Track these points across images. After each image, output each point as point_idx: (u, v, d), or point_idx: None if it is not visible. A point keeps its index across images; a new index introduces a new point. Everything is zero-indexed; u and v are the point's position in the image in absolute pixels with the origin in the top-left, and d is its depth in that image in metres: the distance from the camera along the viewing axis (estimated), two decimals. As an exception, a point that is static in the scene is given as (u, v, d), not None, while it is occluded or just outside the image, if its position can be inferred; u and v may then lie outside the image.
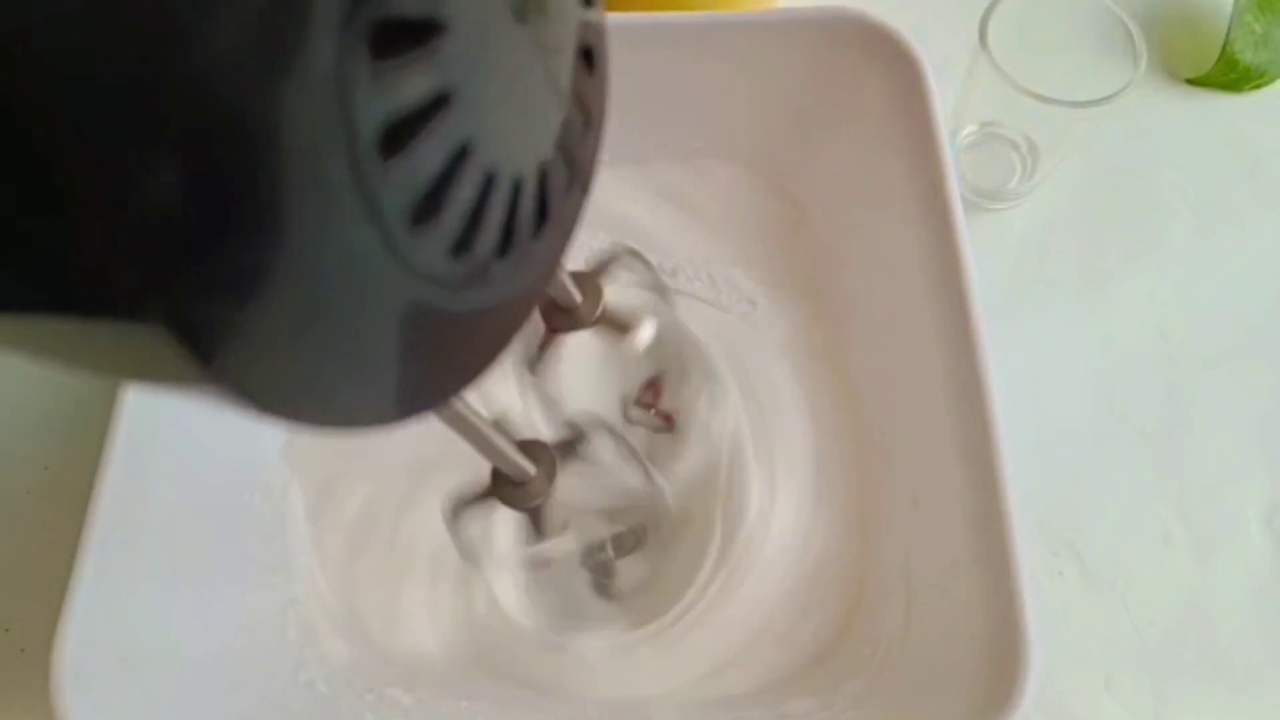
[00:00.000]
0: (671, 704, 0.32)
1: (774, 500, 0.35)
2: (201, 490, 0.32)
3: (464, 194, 0.12)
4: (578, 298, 0.28)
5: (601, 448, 0.29)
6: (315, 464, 0.35)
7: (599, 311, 0.28)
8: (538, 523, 0.26)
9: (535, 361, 0.30)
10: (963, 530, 0.28)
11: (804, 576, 0.34)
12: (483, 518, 0.26)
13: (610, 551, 0.34)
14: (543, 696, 0.32)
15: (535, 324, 0.29)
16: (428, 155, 0.11)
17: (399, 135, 0.11)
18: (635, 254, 0.30)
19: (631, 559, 0.35)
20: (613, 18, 0.37)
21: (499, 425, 0.24)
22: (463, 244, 0.13)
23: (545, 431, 0.31)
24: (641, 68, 0.38)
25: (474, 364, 0.16)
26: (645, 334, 0.29)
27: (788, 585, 0.33)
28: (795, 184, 0.41)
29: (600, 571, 0.34)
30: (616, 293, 0.29)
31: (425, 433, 0.36)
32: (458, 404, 0.20)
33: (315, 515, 0.35)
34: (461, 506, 0.26)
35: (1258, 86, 0.46)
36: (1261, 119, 0.46)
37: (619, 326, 0.29)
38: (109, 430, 0.29)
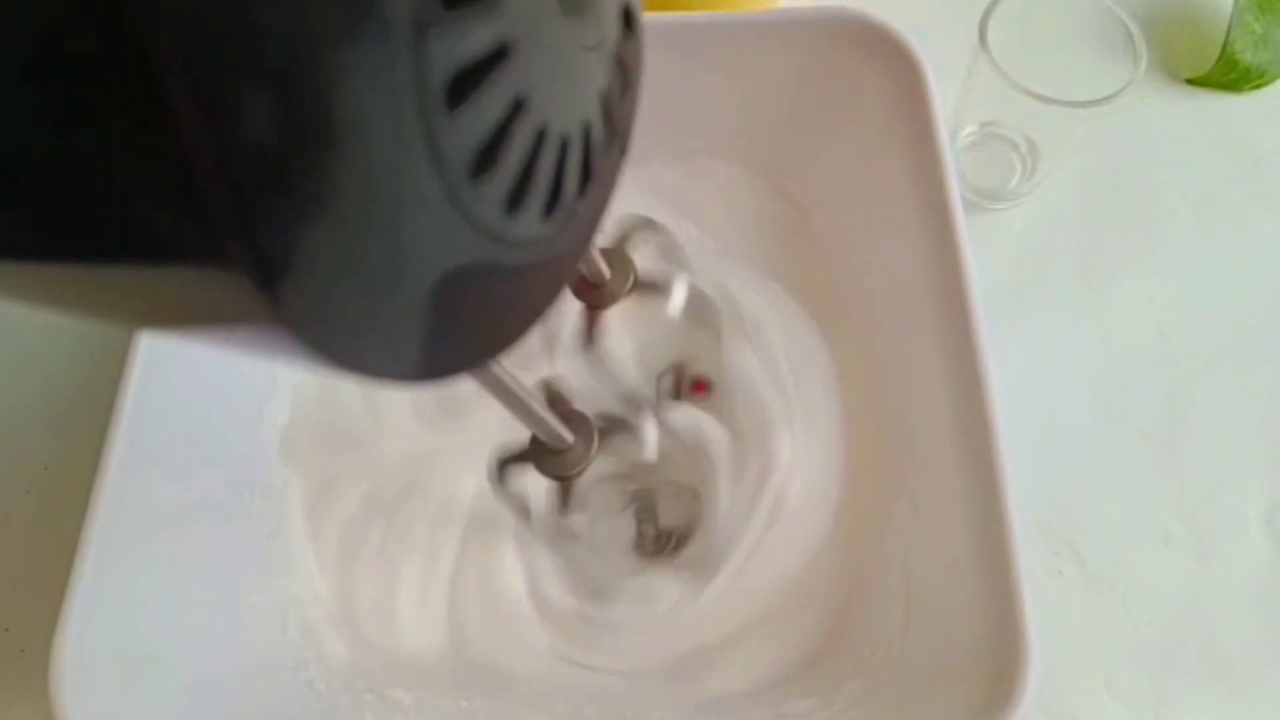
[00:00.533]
0: (670, 705, 0.32)
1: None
2: (201, 490, 0.32)
3: (518, 149, 0.13)
4: (607, 273, 0.28)
5: (647, 430, 0.29)
6: (314, 463, 0.35)
7: (631, 282, 0.29)
8: (566, 494, 0.26)
9: (584, 341, 0.30)
10: (963, 530, 0.28)
11: (797, 575, 0.34)
12: (523, 478, 0.27)
13: (656, 509, 0.35)
14: (541, 696, 0.32)
15: (577, 306, 0.30)
16: (488, 107, 0.12)
17: (464, 85, 0.11)
18: (650, 222, 0.31)
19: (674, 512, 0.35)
20: None
21: (545, 388, 0.25)
22: (515, 199, 0.13)
23: (600, 405, 0.31)
24: (645, 68, 0.38)
25: (519, 322, 0.16)
26: (679, 296, 0.30)
27: (780, 583, 0.33)
28: (795, 184, 0.41)
29: (646, 518, 0.34)
30: (646, 263, 0.30)
31: (420, 428, 0.36)
32: (493, 366, 0.20)
33: (313, 514, 0.35)
34: (505, 464, 0.26)
35: (1258, 86, 0.46)
36: (1261, 119, 0.46)
37: (654, 292, 0.30)
38: (109, 430, 0.29)
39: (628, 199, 0.40)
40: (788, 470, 0.34)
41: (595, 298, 0.29)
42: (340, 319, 0.11)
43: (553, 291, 0.17)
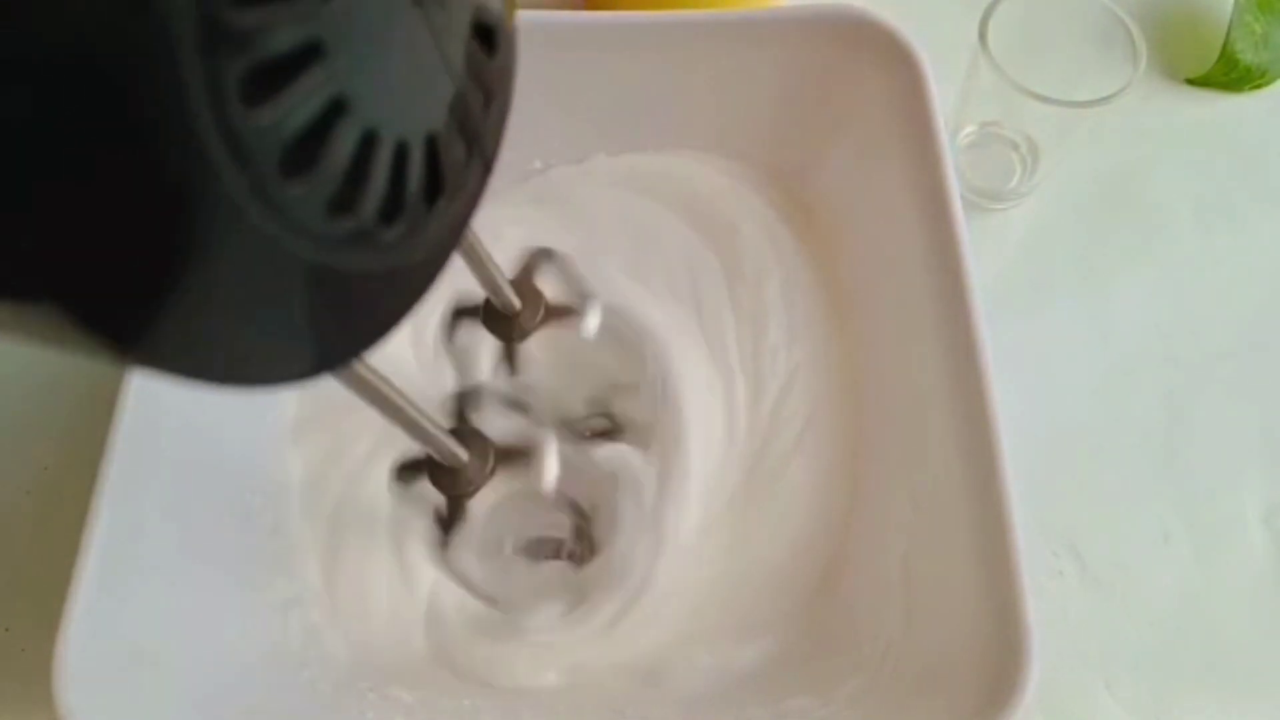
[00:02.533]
0: (668, 703, 0.32)
1: (751, 487, 0.35)
2: (202, 490, 0.32)
3: (340, 150, 0.13)
4: (517, 304, 0.28)
5: (549, 467, 0.28)
6: (316, 461, 0.35)
7: (542, 312, 0.29)
8: (452, 513, 0.25)
9: (510, 375, 0.30)
10: (963, 529, 0.28)
11: (781, 565, 0.34)
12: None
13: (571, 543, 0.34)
14: (546, 693, 0.32)
15: (497, 344, 0.29)
16: (298, 105, 0.12)
17: (267, 82, 0.11)
18: (549, 252, 0.30)
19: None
20: (609, 17, 0.37)
21: (461, 395, 0.24)
22: (343, 202, 0.13)
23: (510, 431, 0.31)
24: (640, 67, 0.38)
25: (372, 328, 0.16)
26: (593, 318, 0.30)
27: (762, 572, 0.34)
28: (795, 182, 0.41)
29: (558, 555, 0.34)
30: (556, 289, 0.30)
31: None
32: (371, 377, 0.20)
33: (310, 513, 0.35)
34: (404, 470, 0.25)
35: (1258, 86, 0.46)
36: (1261, 119, 0.46)
37: (567, 317, 0.29)
38: (109, 431, 0.29)
39: (625, 197, 0.40)
40: (695, 481, 0.34)
41: (508, 331, 0.29)
42: (168, 328, 0.11)
43: (412, 299, 0.17)
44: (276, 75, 0.11)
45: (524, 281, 0.29)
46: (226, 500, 0.33)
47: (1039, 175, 0.42)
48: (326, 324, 0.15)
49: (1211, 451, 0.39)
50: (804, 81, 0.37)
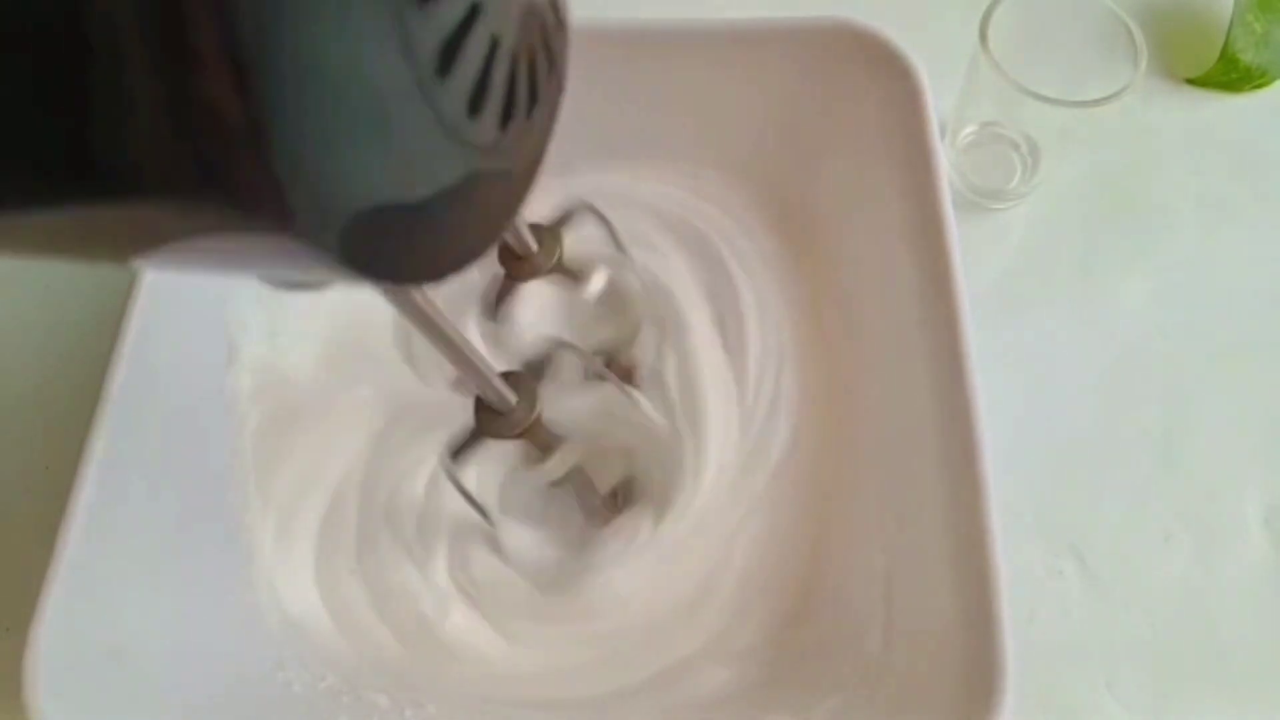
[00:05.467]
0: (650, 712, 0.31)
1: (736, 489, 0.35)
2: (182, 488, 0.32)
3: (475, 53, 0.14)
4: (534, 246, 0.29)
5: (568, 366, 0.30)
6: (289, 460, 0.35)
7: (555, 260, 0.30)
8: (536, 442, 0.27)
9: (494, 307, 0.31)
10: (946, 549, 0.28)
11: (762, 584, 0.34)
12: (478, 461, 0.27)
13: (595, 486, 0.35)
14: (515, 702, 0.32)
15: (495, 271, 0.30)
16: (449, 6, 0.13)
17: None
18: (593, 210, 0.31)
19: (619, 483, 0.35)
20: (596, 25, 0.37)
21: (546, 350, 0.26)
22: (476, 101, 0.15)
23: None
24: (633, 75, 0.38)
25: (491, 228, 0.17)
26: (597, 283, 0.31)
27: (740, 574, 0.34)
28: (788, 192, 0.40)
29: (586, 493, 0.35)
30: (575, 246, 0.31)
31: (382, 423, 0.36)
32: (445, 326, 0.22)
33: (290, 514, 0.35)
34: (456, 453, 0.27)
35: (1258, 86, 0.46)
36: (1262, 119, 0.46)
37: (575, 276, 0.30)
38: (90, 427, 0.29)
39: (618, 205, 0.40)
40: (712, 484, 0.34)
41: (517, 269, 0.30)
42: (328, 200, 0.12)
43: (512, 206, 0.18)
44: None
45: (549, 229, 0.30)
46: (206, 499, 0.33)
47: (1039, 175, 0.42)
48: (457, 222, 0.16)
49: (1211, 451, 0.39)
50: (798, 92, 0.37)
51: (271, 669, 0.31)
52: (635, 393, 0.34)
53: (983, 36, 0.38)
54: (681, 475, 0.34)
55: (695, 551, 0.34)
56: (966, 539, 0.27)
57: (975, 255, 0.42)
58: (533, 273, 0.30)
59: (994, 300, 0.41)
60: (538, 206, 0.29)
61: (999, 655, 0.25)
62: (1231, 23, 0.46)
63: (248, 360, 0.35)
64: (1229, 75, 0.46)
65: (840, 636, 0.32)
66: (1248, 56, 0.46)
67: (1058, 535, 0.37)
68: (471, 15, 0.14)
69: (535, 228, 0.29)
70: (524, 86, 0.16)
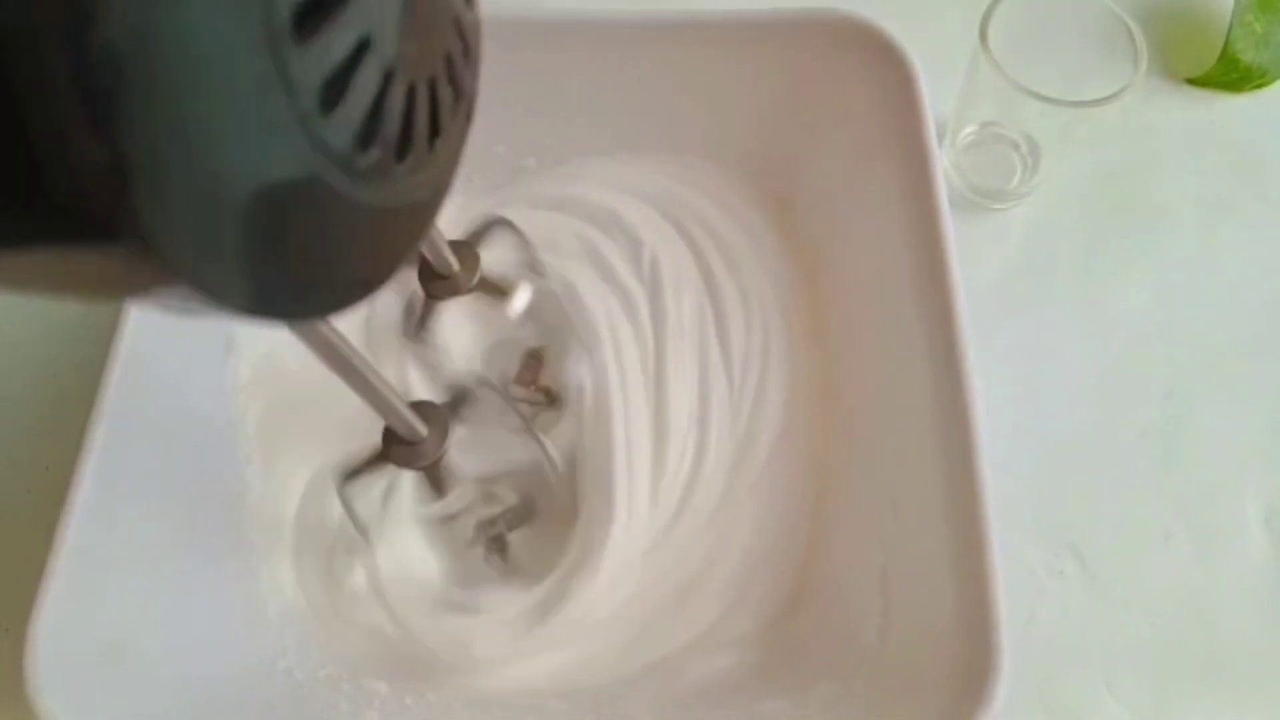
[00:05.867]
0: (647, 699, 0.32)
1: (718, 486, 0.35)
2: (180, 480, 0.32)
3: (366, 84, 0.14)
4: (455, 264, 0.29)
5: (486, 407, 0.29)
6: (288, 450, 0.35)
7: (476, 279, 0.29)
8: (435, 481, 0.26)
9: (416, 328, 0.30)
10: (943, 537, 0.28)
11: (759, 574, 0.34)
12: (372, 486, 0.26)
13: (503, 525, 0.34)
14: (519, 691, 0.32)
15: (415, 292, 0.30)
16: (335, 41, 0.13)
17: (309, 20, 0.12)
18: (509, 225, 0.31)
19: (523, 532, 0.35)
20: (595, 15, 0.37)
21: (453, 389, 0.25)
22: (367, 134, 0.14)
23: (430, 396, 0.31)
24: (628, 65, 0.38)
25: (384, 264, 0.17)
26: (520, 300, 0.30)
27: (724, 577, 0.34)
28: (782, 183, 0.40)
29: (493, 546, 0.34)
30: (494, 263, 0.30)
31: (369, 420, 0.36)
32: (352, 357, 0.21)
33: (287, 502, 0.35)
34: (352, 473, 0.26)
35: (1258, 86, 0.46)
36: (1262, 119, 0.46)
37: (496, 293, 0.30)
38: (89, 420, 0.29)
39: (614, 195, 0.40)
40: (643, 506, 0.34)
41: (439, 288, 0.29)
42: (188, 230, 0.12)
43: (410, 240, 0.18)
44: (317, 14, 0.12)
45: (467, 246, 0.30)
46: (205, 491, 0.33)
47: (1039, 175, 0.42)
48: (347, 257, 0.16)
49: (1211, 451, 0.39)
50: (793, 81, 0.37)
51: (272, 657, 0.31)
52: (546, 441, 0.33)
53: (983, 36, 0.38)
54: (587, 530, 0.33)
55: (691, 541, 0.34)
56: (963, 531, 0.27)
57: (975, 255, 0.42)
58: (454, 291, 0.29)
59: (994, 300, 0.41)
60: (454, 222, 0.29)
61: (993, 646, 0.25)
62: (1231, 23, 0.46)
63: (246, 351, 0.35)
64: (1229, 75, 0.46)
65: (836, 626, 0.32)
66: (1248, 56, 0.46)
67: (1058, 535, 0.37)
68: (360, 50, 0.13)
69: (456, 245, 0.29)
70: (423, 119, 0.16)
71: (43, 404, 0.40)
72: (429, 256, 0.28)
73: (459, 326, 0.35)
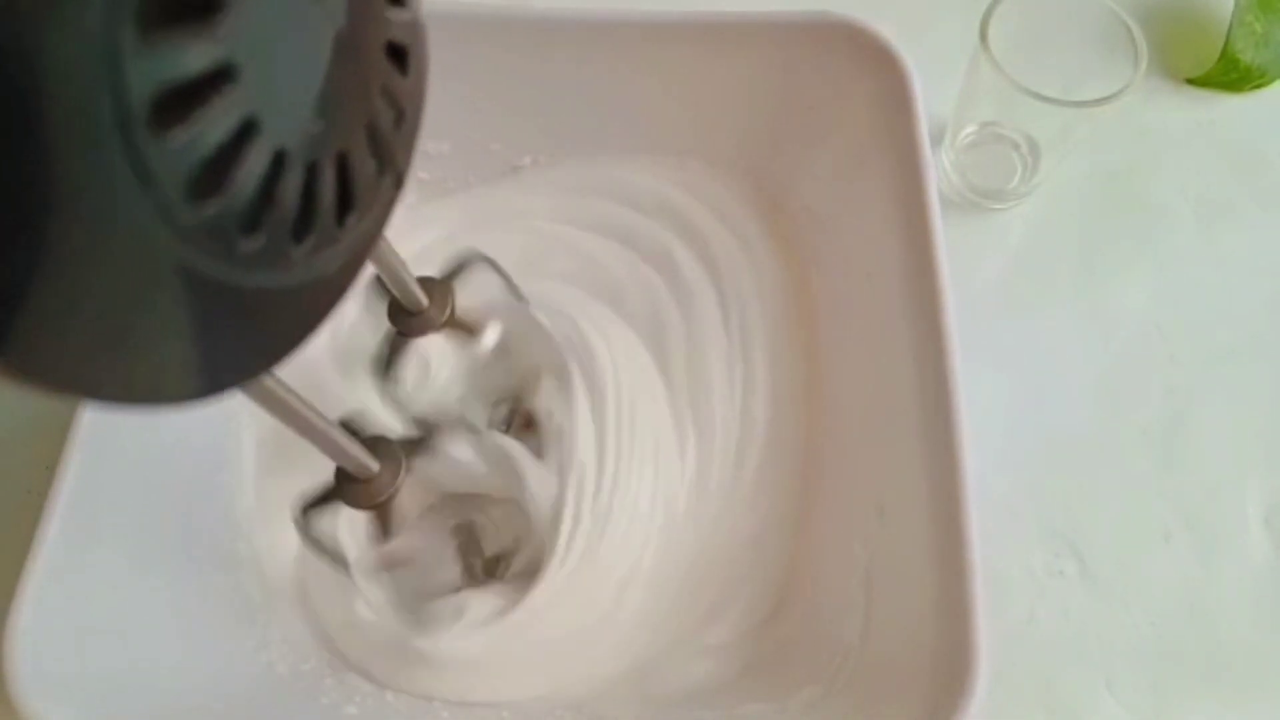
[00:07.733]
0: (630, 702, 0.31)
1: (701, 492, 0.35)
2: (164, 474, 0.32)
3: (251, 170, 0.13)
4: (424, 302, 0.28)
5: (455, 443, 0.28)
6: (277, 443, 0.35)
7: (448, 315, 0.29)
8: (383, 521, 0.25)
9: (386, 367, 0.30)
10: (926, 541, 0.28)
11: (741, 577, 0.34)
12: (332, 518, 0.26)
13: (480, 544, 0.34)
14: (495, 694, 0.32)
15: (388, 329, 0.29)
16: (209, 128, 0.12)
17: (177, 104, 0.11)
18: (487, 260, 0.30)
19: (505, 539, 0.34)
20: (585, 14, 0.37)
21: (345, 422, 0.24)
22: (253, 221, 0.13)
23: (400, 432, 0.31)
24: (623, 65, 0.38)
25: (281, 343, 0.16)
26: (490, 337, 0.30)
27: (704, 581, 0.34)
28: (775, 186, 0.40)
29: (469, 552, 0.34)
30: (471, 298, 0.29)
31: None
32: (285, 394, 0.20)
33: (265, 496, 0.34)
34: (309, 507, 0.25)
35: (1258, 86, 0.46)
36: (1261, 119, 0.46)
37: (468, 330, 0.30)
38: (69, 429, 0.29)
39: (607, 199, 0.40)
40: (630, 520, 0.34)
41: (409, 325, 0.29)
42: (66, 349, 0.11)
43: (321, 312, 0.17)
44: (188, 97, 0.11)
45: (442, 283, 0.29)
46: (189, 484, 0.33)
47: (1039, 175, 0.42)
48: (234, 339, 0.15)
49: (1211, 451, 0.39)
50: (787, 85, 0.37)
51: (254, 649, 0.31)
52: (526, 468, 0.33)
53: (983, 36, 0.38)
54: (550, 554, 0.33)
55: (675, 546, 0.34)
56: (945, 531, 0.27)
57: (975, 255, 0.42)
58: (425, 328, 0.29)
59: (994, 300, 0.41)
60: (432, 257, 0.28)
61: (972, 645, 0.25)
62: (1231, 23, 0.46)
63: None
64: (1229, 75, 0.46)
65: (819, 627, 0.32)
66: (1248, 56, 0.46)
67: (1058, 535, 0.37)
68: (245, 133, 0.12)
69: (426, 282, 0.28)
70: (329, 197, 0.15)
71: (42, 404, 0.40)
72: (397, 294, 0.27)
73: (431, 363, 0.34)
